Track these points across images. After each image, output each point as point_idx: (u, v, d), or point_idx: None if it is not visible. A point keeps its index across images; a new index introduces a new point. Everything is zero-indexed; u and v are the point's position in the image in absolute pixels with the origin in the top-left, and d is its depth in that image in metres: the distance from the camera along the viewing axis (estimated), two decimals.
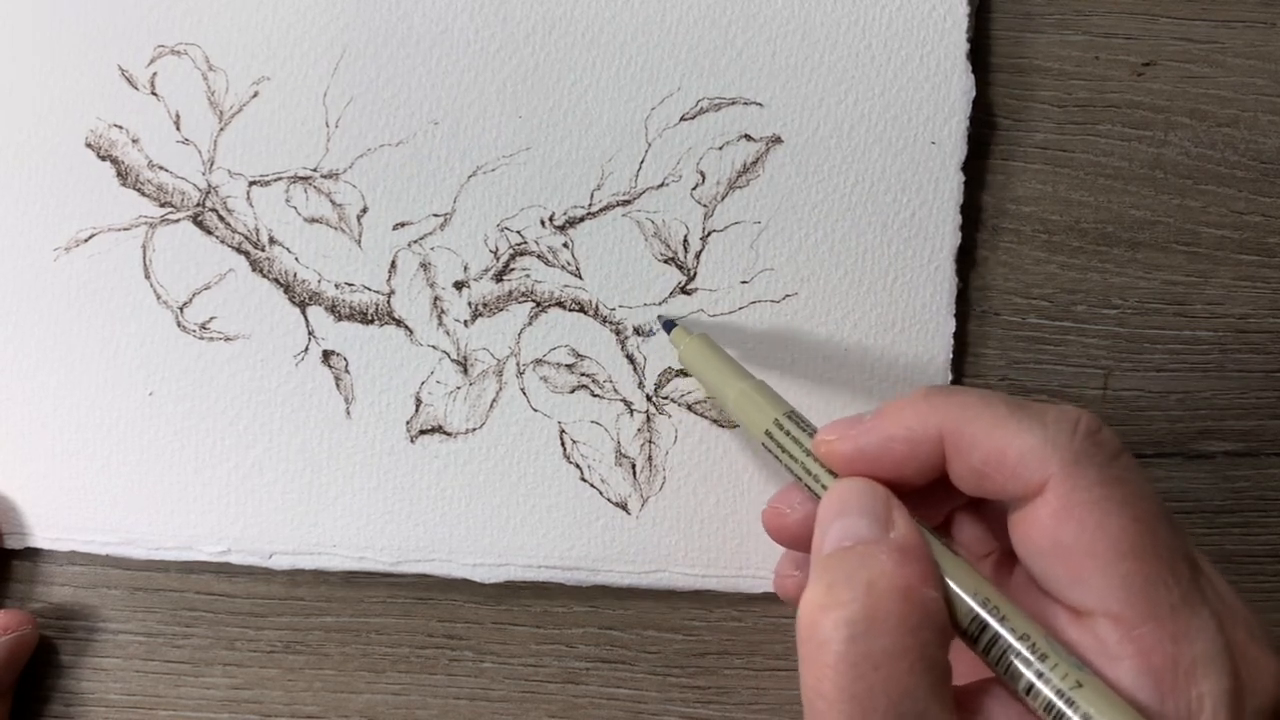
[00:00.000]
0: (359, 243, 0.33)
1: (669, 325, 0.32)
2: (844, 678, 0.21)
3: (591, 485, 0.33)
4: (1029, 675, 0.22)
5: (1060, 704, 0.21)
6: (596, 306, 0.33)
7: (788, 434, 0.27)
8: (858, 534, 0.24)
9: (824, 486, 0.26)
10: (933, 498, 0.26)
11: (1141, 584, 0.21)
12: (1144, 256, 0.34)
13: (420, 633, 0.34)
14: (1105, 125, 0.34)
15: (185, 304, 0.33)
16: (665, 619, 0.34)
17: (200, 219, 0.33)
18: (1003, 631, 0.22)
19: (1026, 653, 0.22)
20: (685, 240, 0.33)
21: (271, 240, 0.33)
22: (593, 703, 0.34)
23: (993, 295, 0.34)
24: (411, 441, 0.33)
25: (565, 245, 0.33)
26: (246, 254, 0.33)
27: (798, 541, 0.28)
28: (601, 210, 0.33)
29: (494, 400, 0.33)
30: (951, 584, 0.23)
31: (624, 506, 0.33)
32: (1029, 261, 0.34)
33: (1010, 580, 0.26)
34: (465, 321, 0.33)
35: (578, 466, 0.33)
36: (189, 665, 0.34)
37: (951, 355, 0.33)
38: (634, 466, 0.33)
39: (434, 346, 0.33)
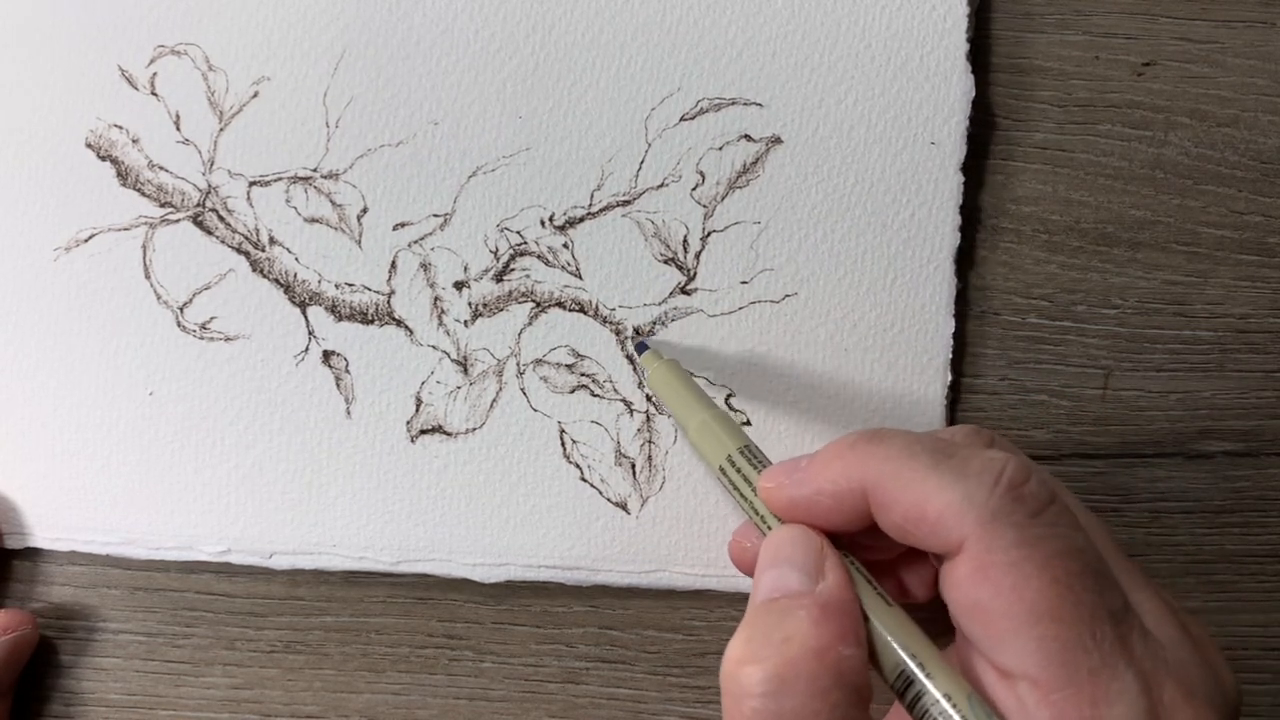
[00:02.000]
0: (359, 243, 0.33)
1: (640, 347, 0.32)
2: None
3: (591, 485, 0.33)
4: None
5: None
6: (596, 307, 0.33)
7: (739, 471, 0.27)
8: (786, 586, 0.24)
9: (769, 528, 0.26)
10: (878, 538, 0.25)
11: (1059, 648, 0.21)
12: (1144, 256, 0.34)
13: (420, 633, 0.34)
14: (1105, 125, 0.34)
15: (185, 304, 0.33)
16: (665, 619, 0.34)
17: (200, 219, 0.33)
18: (927, 687, 0.22)
19: (949, 710, 0.22)
20: (685, 240, 0.33)
21: (272, 240, 0.33)
22: (593, 703, 0.34)
23: (993, 295, 0.34)
24: (412, 441, 0.33)
25: (565, 245, 0.33)
26: (247, 254, 0.33)
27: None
28: (601, 210, 0.33)
29: (494, 400, 0.33)
30: (880, 635, 0.23)
31: (624, 506, 0.33)
32: (1029, 261, 0.34)
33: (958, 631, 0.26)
34: (465, 321, 0.33)
35: (578, 466, 0.33)
36: (189, 665, 0.34)
37: (951, 355, 0.33)
38: (634, 466, 0.33)
39: (434, 346, 0.33)
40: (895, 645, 0.23)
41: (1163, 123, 0.34)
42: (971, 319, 0.34)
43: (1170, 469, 0.34)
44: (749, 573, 0.28)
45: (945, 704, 0.22)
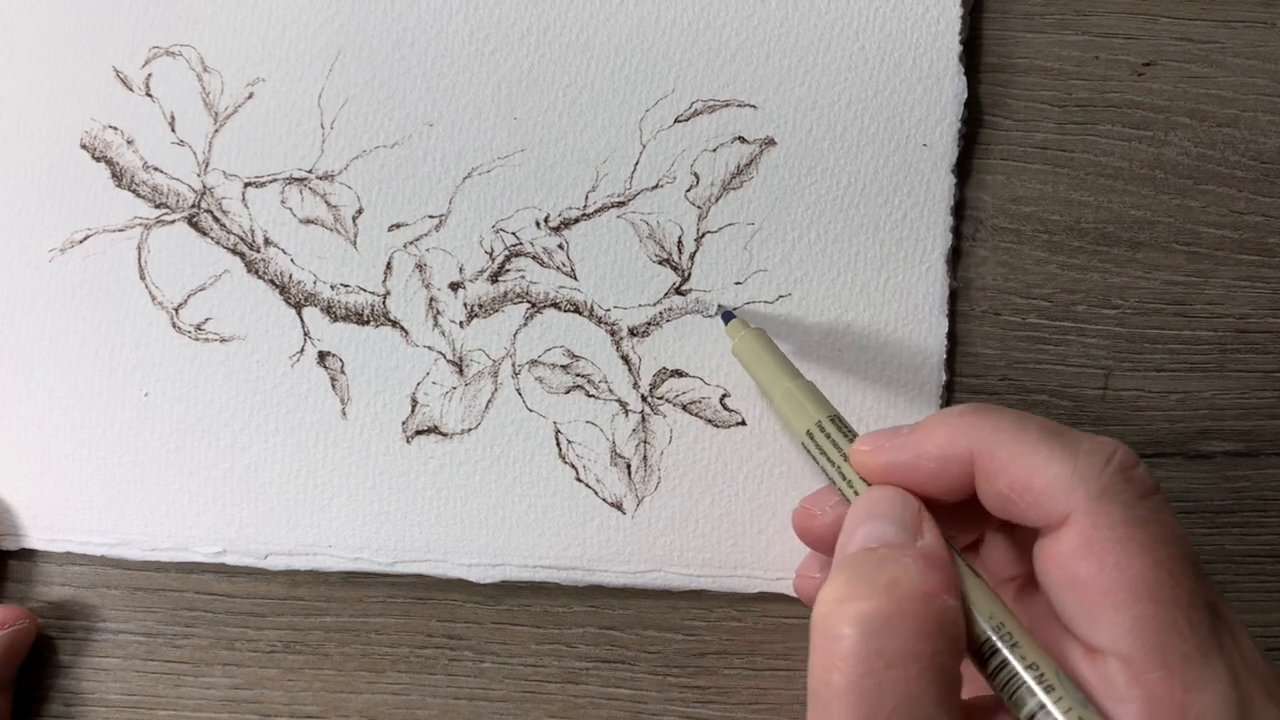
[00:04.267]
0: (354, 244, 0.33)
1: (728, 316, 0.32)
2: (854, 671, 0.21)
3: (587, 485, 0.33)
4: (1032, 705, 0.22)
5: None
6: (592, 307, 0.33)
7: (828, 437, 0.27)
8: (884, 538, 0.24)
9: (856, 493, 0.26)
10: (966, 516, 0.26)
11: (1155, 629, 0.21)
12: (1144, 256, 0.34)
13: (420, 633, 0.34)
14: (1105, 125, 0.34)
15: (180, 305, 0.33)
16: (665, 619, 0.34)
17: (195, 220, 0.34)
18: (1012, 658, 0.22)
19: (1032, 683, 0.22)
20: (679, 241, 0.33)
21: (267, 241, 0.33)
22: (593, 703, 0.34)
23: (993, 295, 0.34)
24: (407, 442, 0.33)
25: (560, 246, 0.33)
26: (242, 255, 0.33)
27: (823, 544, 0.28)
28: (596, 212, 0.33)
29: (489, 401, 0.33)
30: (969, 604, 0.23)
31: (619, 506, 0.33)
32: (1029, 261, 0.34)
33: (1033, 607, 0.26)
34: (461, 322, 0.33)
35: (573, 467, 0.33)
36: (189, 665, 0.34)
37: (945, 355, 0.33)
38: (629, 467, 0.33)
39: (430, 347, 0.33)
40: (982, 615, 0.23)
41: (1163, 123, 0.34)
42: (972, 319, 0.34)
43: (1170, 469, 0.34)
44: (811, 542, 0.28)
45: (1029, 675, 0.22)
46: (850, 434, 0.27)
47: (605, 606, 0.34)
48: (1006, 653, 0.22)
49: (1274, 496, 0.34)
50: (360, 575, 0.34)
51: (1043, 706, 0.22)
